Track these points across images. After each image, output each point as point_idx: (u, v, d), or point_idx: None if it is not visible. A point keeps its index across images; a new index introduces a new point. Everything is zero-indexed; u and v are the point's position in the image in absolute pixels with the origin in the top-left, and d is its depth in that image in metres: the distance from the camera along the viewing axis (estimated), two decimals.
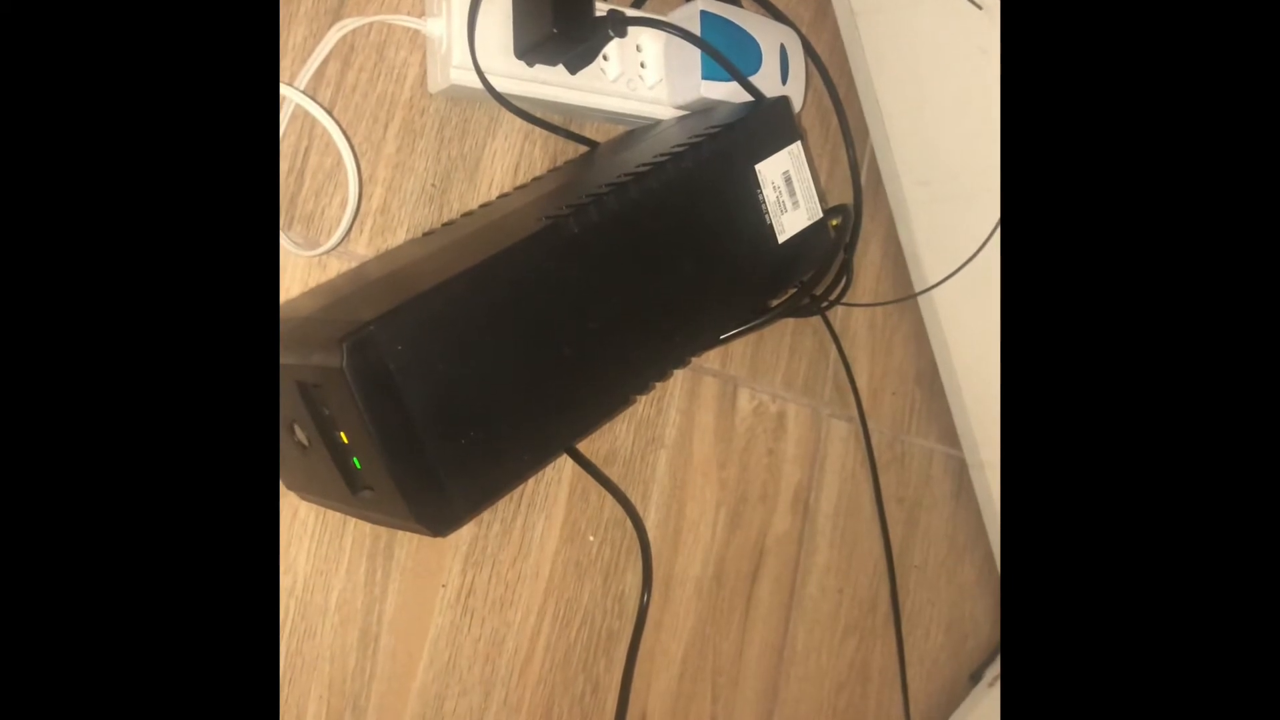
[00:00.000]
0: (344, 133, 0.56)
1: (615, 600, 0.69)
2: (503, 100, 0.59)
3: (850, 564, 0.82)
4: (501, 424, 0.48)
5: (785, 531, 0.78)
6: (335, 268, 0.57)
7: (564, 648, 0.67)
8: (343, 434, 0.47)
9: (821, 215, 0.61)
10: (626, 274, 0.52)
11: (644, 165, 0.54)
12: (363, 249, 0.58)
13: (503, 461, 0.48)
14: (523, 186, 0.63)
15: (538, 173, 0.65)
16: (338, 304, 0.50)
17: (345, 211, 0.55)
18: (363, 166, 0.58)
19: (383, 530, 0.59)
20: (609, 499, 0.68)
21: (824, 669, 0.80)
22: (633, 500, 0.69)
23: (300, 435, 0.50)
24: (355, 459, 0.48)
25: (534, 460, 0.50)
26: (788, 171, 0.58)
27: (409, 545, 0.60)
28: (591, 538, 0.68)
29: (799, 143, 0.59)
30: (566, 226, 0.50)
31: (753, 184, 0.57)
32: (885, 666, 0.83)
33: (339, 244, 0.56)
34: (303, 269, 0.56)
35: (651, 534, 0.70)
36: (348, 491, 0.49)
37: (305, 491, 0.54)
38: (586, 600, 0.68)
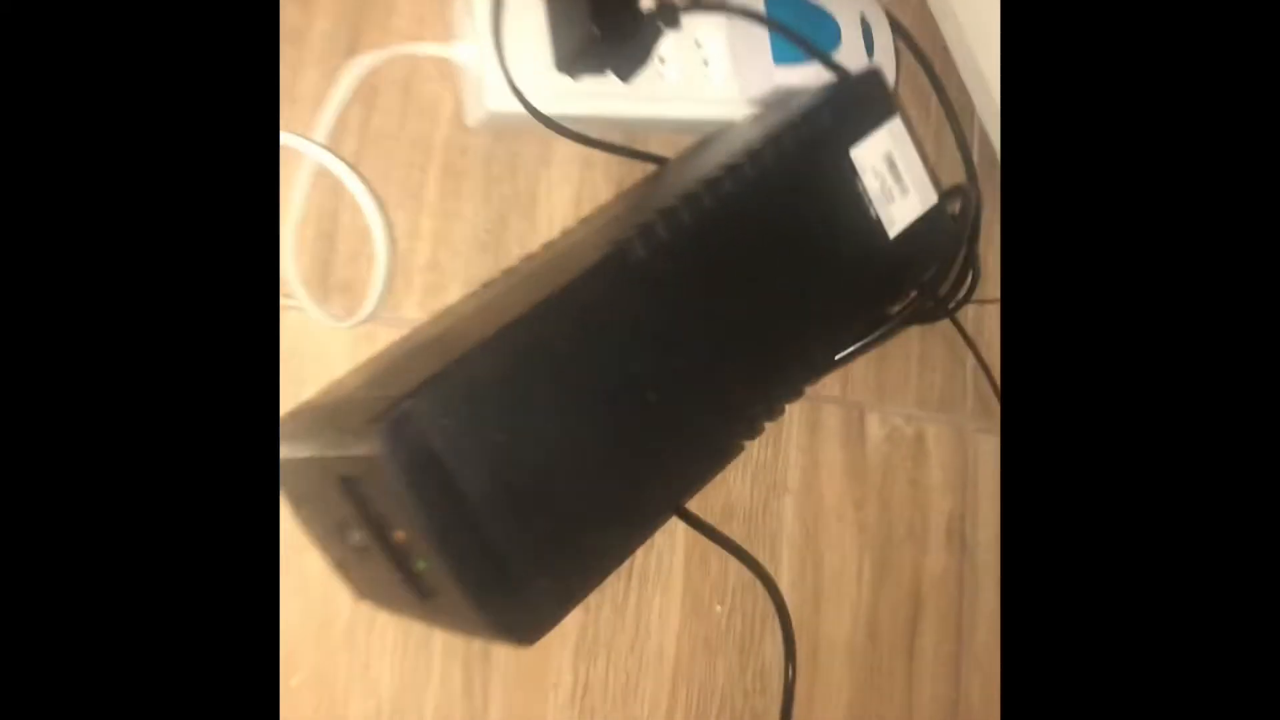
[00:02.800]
0: (368, 188, 0.49)
1: (756, 676, 0.60)
2: (550, 123, 0.51)
3: None
4: (583, 498, 0.40)
5: (942, 571, 0.67)
6: (385, 337, 0.50)
7: None
8: (399, 532, 0.39)
9: (937, 200, 0.51)
10: (712, 297, 0.43)
11: (717, 170, 0.45)
12: (413, 313, 0.51)
13: (591, 544, 0.40)
14: (588, 219, 0.55)
15: (602, 201, 0.57)
16: (379, 379, 0.43)
17: (376, 275, 0.48)
18: (404, 219, 0.51)
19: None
20: (733, 561, 0.59)
21: None
22: (760, 559, 0.60)
23: (356, 537, 0.43)
24: (418, 560, 0.40)
25: (629, 536, 0.42)
26: (890, 153, 0.49)
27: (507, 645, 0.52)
28: (719, 608, 0.59)
29: (898, 117, 0.50)
30: (632, 251, 0.41)
31: (850, 173, 0.48)
32: None
33: (374, 312, 0.49)
34: (348, 343, 0.49)
35: (787, 595, 0.61)
36: (416, 598, 0.41)
37: (378, 600, 0.47)
38: (722, 681, 0.59)
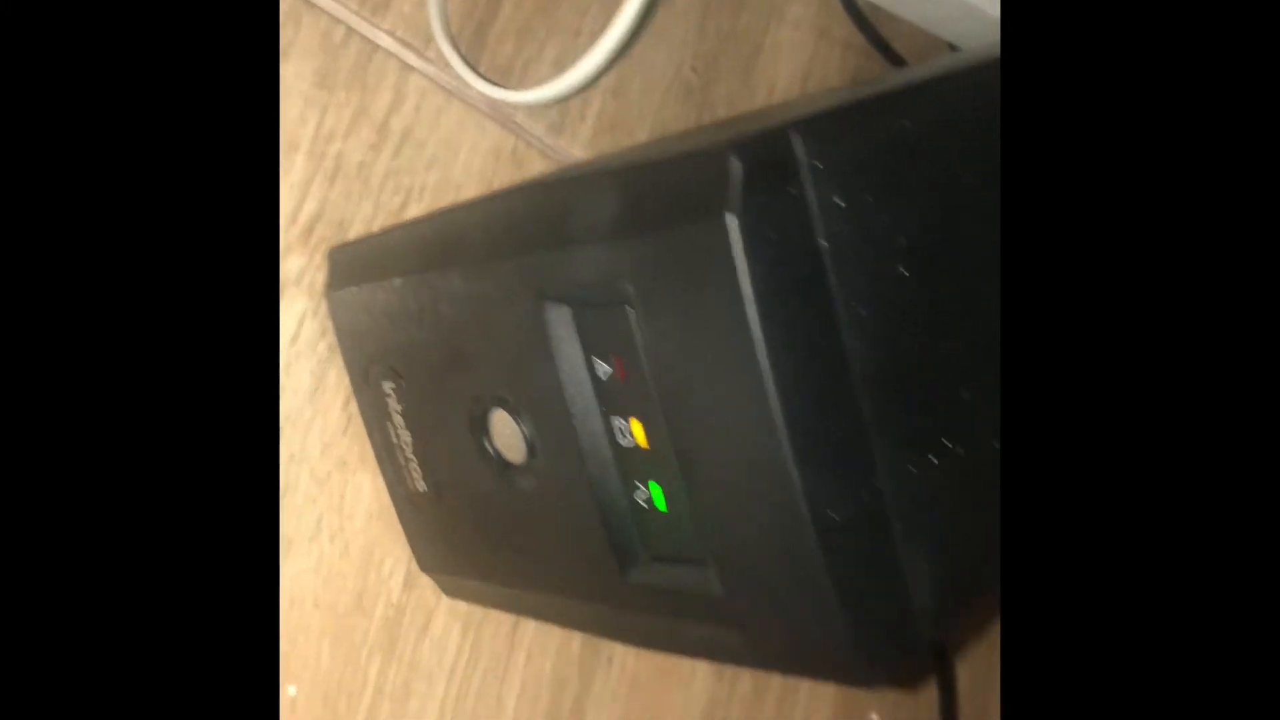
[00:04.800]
0: None
1: None
2: None
3: None
4: (993, 425, 0.21)
5: None
6: (533, 166, 0.31)
7: None
8: (635, 424, 0.20)
9: None
10: None
11: None
12: (578, 149, 0.32)
13: (992, 519, 0.21)
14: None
15: (833, 87, 0.40)
16: (619, 165, 0.23)
17: (602, 46, 0.29)
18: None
19: (570, 667, 0.31)
20: None
21: None
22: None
23: (504, 437, 0.23)
24: (652, 482, 0.20)
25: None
26: None
27: (610, 704, 0.32)
28: (874, 716, 0.40)
29: None
30: None
31: None
32: None
33: (567, 92, 0.30)
34: (485, 152, 0.30)
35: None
36: (609, 562, 0.21)
37: (467, 573, 0.26)
38: None
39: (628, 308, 0.19)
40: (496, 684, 0.29)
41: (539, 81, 0.31)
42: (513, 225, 0.21)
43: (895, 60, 0.41)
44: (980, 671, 0.43)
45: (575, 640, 0.31)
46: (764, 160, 0.17)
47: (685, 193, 0.18)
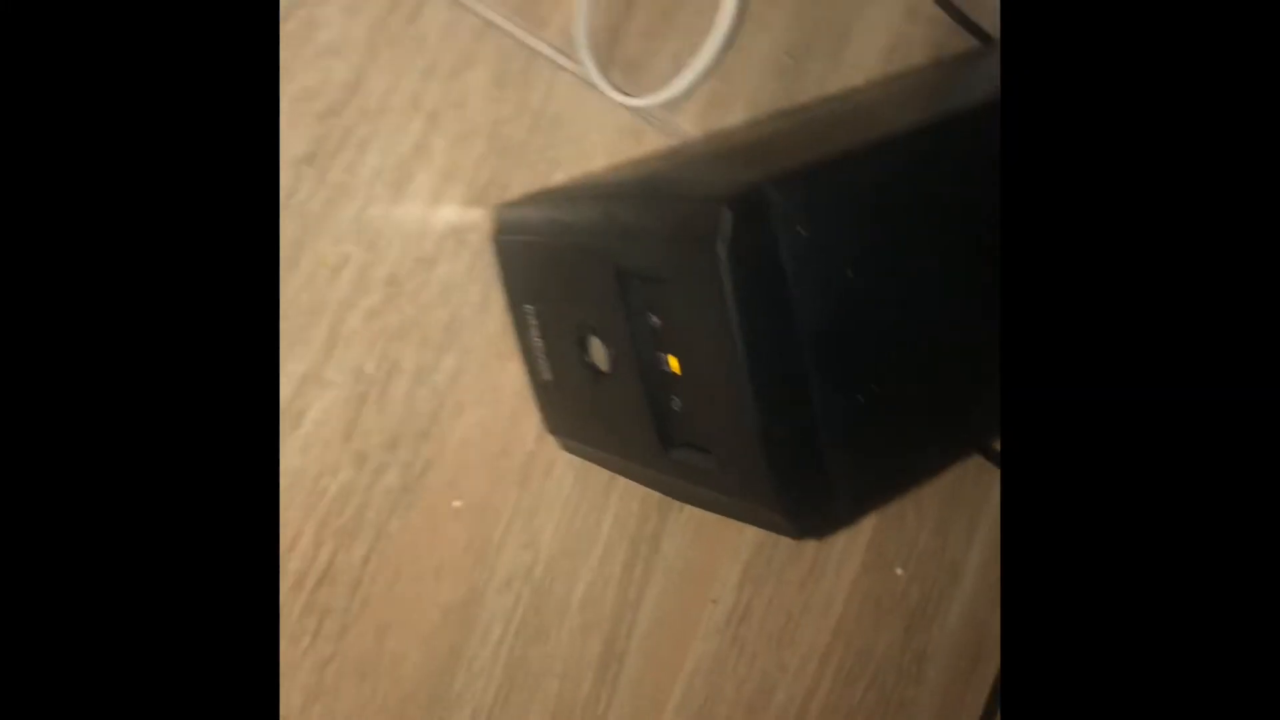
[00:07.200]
0: None
1: (914, 660, 0.51)
2: None
3: None
4: (913, 380, 0.31)
5: None
6: (651, 141, 0.41)
7: (844, 712, 0.49)
8: (672, 358, 0.31)
9: None
10: None
11: None
12: (688, 125, 0.42)
13: (907, 441, 0.31)
14: (897, 79, 0.46)
15: (915, 63, 0.47)
16: (672, 180, 0.34)
17: (701, 57, 0.39)
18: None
19: (651, 509, 0.43)
20: (927, 524, 0.51)
21: None
22: (955, 531, 0.51)
23: (597, 354, 0.34)
24: (676, 397, 0.31)
25: (943, 448, 0.33)
26: None
27: (680, 536, 0.44)
28: (899, 570, 0.50)
29: None
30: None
31: None
32: None
33: (673, 98, 0.40)
34: (611, 133, 0.40)
35: (969, 579, 0.52)
36: (656, 444, 0.32)
37: (576, 438, 0.38)
38: (880, 653, 0.50)
39: (668, 283, 0.30)
40: (596, 514, 0.41)
41: (660, 72, 0.41)
42: (604, 216, 0.32)
43: (977, 33, 0.49)
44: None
45: (655, 493, 0.43)
46: (747, 207, 0.27)
47: (698, 225, 0.28)
